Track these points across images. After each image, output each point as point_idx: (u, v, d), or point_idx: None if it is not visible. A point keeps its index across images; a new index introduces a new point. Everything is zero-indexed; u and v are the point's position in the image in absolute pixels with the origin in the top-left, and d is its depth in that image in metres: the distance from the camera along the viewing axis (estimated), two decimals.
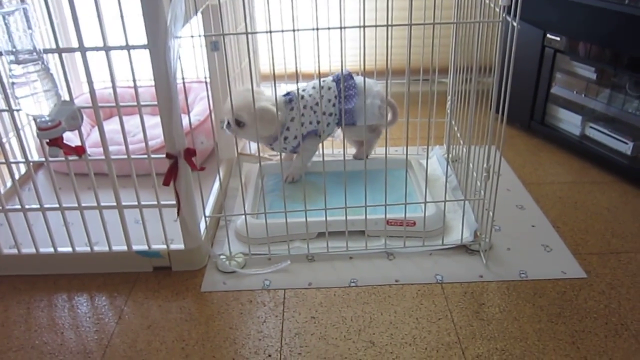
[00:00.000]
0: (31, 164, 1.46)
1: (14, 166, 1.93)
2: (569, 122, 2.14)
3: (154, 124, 1.99)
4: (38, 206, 1.46)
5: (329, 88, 1.78)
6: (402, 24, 1.36)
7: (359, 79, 1.81)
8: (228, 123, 1.72)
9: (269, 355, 1.25)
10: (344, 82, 1.78)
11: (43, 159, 1.40)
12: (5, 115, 1.75)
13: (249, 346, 1.28)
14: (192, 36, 1.40)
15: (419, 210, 1.66)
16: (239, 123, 1.71)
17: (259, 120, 1.64)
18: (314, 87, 1.81)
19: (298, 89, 1.57)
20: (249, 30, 1.36)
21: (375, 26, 1.37)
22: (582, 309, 1.35)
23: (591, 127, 2.06)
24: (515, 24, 1.26)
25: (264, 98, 1.71)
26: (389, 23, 1.32)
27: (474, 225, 1.58)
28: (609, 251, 1.57)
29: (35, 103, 1.18)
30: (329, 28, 1.40)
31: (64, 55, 1.30)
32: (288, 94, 1.78)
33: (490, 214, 1.49)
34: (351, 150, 2.00)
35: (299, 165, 1.85)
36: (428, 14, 1.53)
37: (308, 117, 1.77)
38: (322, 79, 1.67)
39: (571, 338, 1.27)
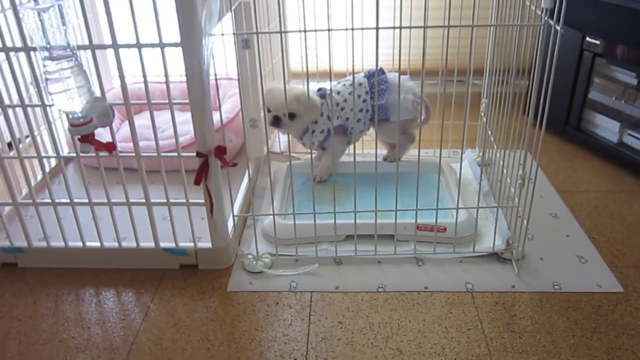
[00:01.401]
0: (62, 158, 1.46)
1: (44, 161, 1.96)
2: (606, 128, 2.08)
3: (184, 120, 1.99)
4: (68, 201, 1.46)
5: (360, 84, 1.78)
6: (439, 25, 1.32)
7: (391, 75, 1.79)
8: (274, 119, 1.73)
9: (295, 359, 1.24)
10: (373, 78, 1.76)
11: (74, 154, 1.40)
12: (38, 109, 1.76)
13: (275, 349, 1.27)
14: (222, 34, 1.38)
15: (450, 215, 1.62)
16: (292, 115, 1.72)
17: (309, 109, 1.70)
18: (344, 85, 1.81)
19: (331, 86, 1.57)
20: (281, 29, 1.33)
21: (410, 27, 1.34)
22: (618, 325, 1.31)
23: (629, 134, 1.99)
24: (558, 27, 1.22)
25: (290, 88, 1.72)
26: (425, 24, 1.28)
27: (507, 233, 1.54)
28: None
29: (68, 99, 1.18)
30: (362, 28, 1.37)
31: (88, 54, 1.29)
32: (320, 89, 1.80)
33: (524, 222, 1.45)
34: (382, 152, 1.97)
35: (327, 164, 1.83)
36: (464, 13, 1.49)
37: (336, 113, 1.77)
38: (353, 75, 1.65)
39: (607, 355, 1.22)
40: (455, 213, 1.55)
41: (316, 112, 1.75)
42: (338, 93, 1.79)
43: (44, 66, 1.16)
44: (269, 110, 1.73)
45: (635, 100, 1.98)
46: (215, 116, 1.40)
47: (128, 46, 1.25)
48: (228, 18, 1.44)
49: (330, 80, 1.53)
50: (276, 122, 1.73)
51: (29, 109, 1.40)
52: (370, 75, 1.78)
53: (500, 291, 1.42)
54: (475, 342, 1.27)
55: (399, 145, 1.88)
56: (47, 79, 1.16)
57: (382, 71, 1.80)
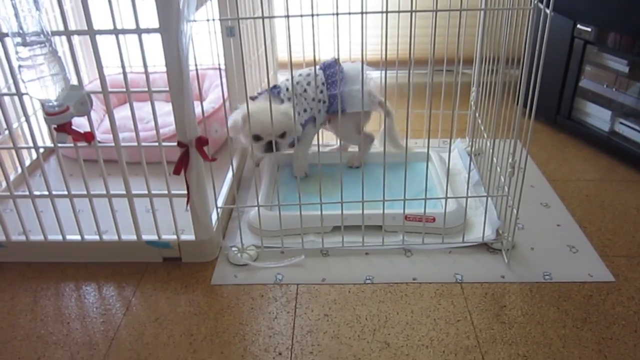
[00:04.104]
0: (40, 149, 1.42)
1: (25, 152, 1.92)
2: (598, 117, 2.05)
3: (168, 112, 1.93)
4: (46, 193, 1.42)
5: (317, 75, 1.72)
6: (427, 10, 1.29)
7: (347, 66, 1.74)
8: (268, 146, 1.61)
9: (280, 354, 1.21)
10: (329, 69, 1.73)
11: (51, 145, 1.36)
12: (18, 100, 1.71)
13: (259, 343, 1.24)
14: (207, 20, 1.34)
15: (439, 205, 1.60)
16: (283, 135, 1.63)
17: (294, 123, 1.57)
18: (300, 75, 1.74)
19: (292, 79, 1.51)
20: (265, 15, 1.29)
21: (399, 12, 1.31)
22: (609, 315, 1.28)
23: (621, 122, 1.97)
24: (548, 11, 1.19)
25: (275, 107, 1.53)
26: (413, 9, 1.25)
27: (497, 222, 1.51)
28: (638, 254, 1.49)
29: (41, 87, 1.14)
30: (349, 13, 1.34)
31: (78, 40, 1.25)
32: (275, 87, 1.71)
33: (514, 211, 1.42)
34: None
35: (300, 155, 1.79)
36: (454, 3, 1.46)
37: (301, 105, 1.72)
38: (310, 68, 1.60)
39: (598, 345, 1.20)
40: (444, 203, 1.52)
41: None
42: (297, 83, 1.72)
43: (17, 52, 1.11)
44: (258, 138, 1.62)
45: (627, 88, 1.95)
46: (199, 107, 1.36)
47: (104, 32, 1.21)
48: (214, 5, 1.40)
49: (291, 72, 1.45)
50: (270, 148, 1.57)
51: (7, 100, 1.36)
52: (326, 67, 1.73)
53: (490, 282, 1.39)
54: (464, 333, 1.24)
55: (359, 147, 1.85)
56: (20, 66, 1.12)
57: (335, 62, 1.73)
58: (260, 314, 1.32)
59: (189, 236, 1.47)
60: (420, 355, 1.19)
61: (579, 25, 1.99)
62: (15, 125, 1.75)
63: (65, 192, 1.42)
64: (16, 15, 1.09)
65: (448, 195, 1.47)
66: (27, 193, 1.43)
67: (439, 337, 1.23)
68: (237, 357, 1.20)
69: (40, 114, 1.92)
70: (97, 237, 1.48)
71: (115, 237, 1.47)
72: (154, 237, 1.47)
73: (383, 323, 1.28)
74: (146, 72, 1.27)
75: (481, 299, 1.34)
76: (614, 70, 1.98)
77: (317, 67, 1.74)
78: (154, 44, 1.24)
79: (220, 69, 1.44)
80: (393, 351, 1.20)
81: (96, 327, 1.30)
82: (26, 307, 1.37)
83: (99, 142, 1.35)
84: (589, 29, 1.96)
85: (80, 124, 1.35)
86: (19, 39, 1.11)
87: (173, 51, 1.21)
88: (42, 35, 1.12)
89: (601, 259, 1.47)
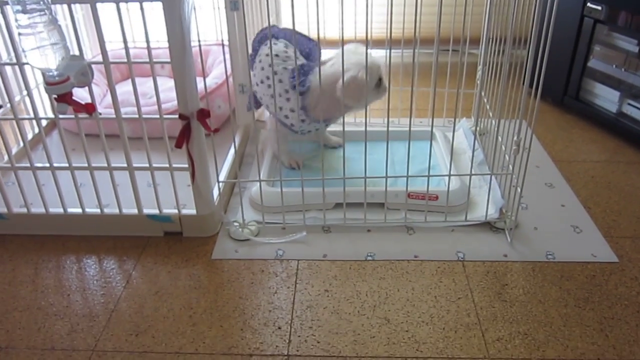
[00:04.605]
0: (42, 121, 1.41)
1: (27, 126, 1.91)
2: (606, 98, 2.02)
3: (172, 87, 1.92)
4: (47, 165, 1.41)
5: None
6: None
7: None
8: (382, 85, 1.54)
9: (279, 328, 1.20)
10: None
11: (53, 117, 1.35)
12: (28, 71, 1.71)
13: (259, 317, 1.23)
14: None
15: (443, 183, 1.58)
16: (381, 80, 1.55)
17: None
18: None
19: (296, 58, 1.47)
20: None
21: None
22: (612, 295, 1.27)
23: (629, 104, 1.94)
24: None
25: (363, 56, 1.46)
26: None
27: (500, 201, 1.50)
28: None
29: (41, 56, 1.12)
30: None
31: (82, 14, 1.23)
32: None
33: (518, 190, 1.40)
34: (375, 120, 1.92)
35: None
36: None
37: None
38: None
39: (599, 325, 1.19)
40: (448, 180, 1.50)
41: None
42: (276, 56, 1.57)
43: (16, 20, 1.10)
44: (379, 82, 1.54)
45: (637, 68, 1.92)
46: (202, 82, 1.35)
47: (105, 0, 1.19)
48: None
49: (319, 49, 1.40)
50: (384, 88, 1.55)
51: (10, 72, 1.34)
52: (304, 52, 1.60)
53: (492, 260, 1.38)
54: (464, 311, 1.23)
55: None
56: (19, 34, 1.11)
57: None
58: (260, 288, 1.32)
59: (190, 210, 1.47)
60: (420, 331, 1.18)
61: (589, 4, 1.96)
62: (17, 97, 1.75)
63: (66, 165, 1.41)
64: None
65: (452, 173, 1.46)
66: (28, 165, 1.42)
67: (439, 314, 1.23)
68: (236, 330, 1.20)
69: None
70: (98, 211, 1.47)
71: (117, 211, 1.47)
72: (155, 211, 1.46)
73: (383, 299, 1.27)
74: (147, 43, 1.25)
75: (483, 277, 1.33)
76: (624, 51, 1.95)
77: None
78: (158, 18, 1.22)
79: (223, 44, 1.42)
80: (393, 327, 1.20)
81: (96, 299, 1.30)
82: (27, 279, 1.37)
83: (100, 113, 1.34)
84: (599, 8, 1.93)
85: (82, 97, 1.34)
86: (18, 7, 1.09)
87: (175, 21, 1.19)
88: (41, 3, 1.10)
89: (605, 240, 1.45)
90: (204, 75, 1.34)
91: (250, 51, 1.65)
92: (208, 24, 2.20)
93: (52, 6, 1.12)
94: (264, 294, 1.30)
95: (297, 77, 1.47)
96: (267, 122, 1.63)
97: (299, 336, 1.18)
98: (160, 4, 1.18)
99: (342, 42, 1.37)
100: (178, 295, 1.30)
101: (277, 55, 1.56)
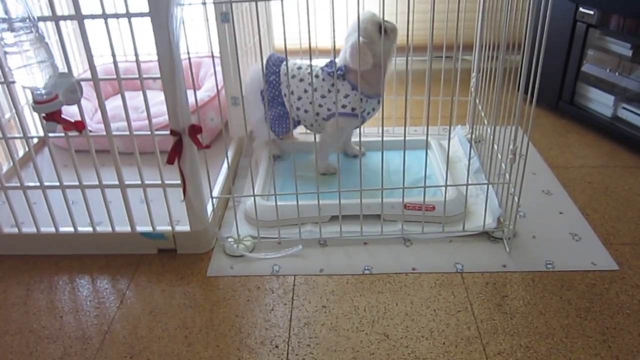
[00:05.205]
0: (32, 139, 1.39)
1: (18, 143, 1.88)
2: (600, 102, 2.02)
3: (164, 100, 1.91)
4: (37, 184, 1.39)
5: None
6: None
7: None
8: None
9: (276, 346, 1.18)
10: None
11: (42, 135, 1.33)
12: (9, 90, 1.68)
13: (255, 336, 1.21)
14: (200, 3, 1.31)
15: (439, 193, 1.56)
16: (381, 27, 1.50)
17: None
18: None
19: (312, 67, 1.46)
20: None
21: None
22: (613, 304, 1.25)
23: (624, 107, 1.93)
24: None
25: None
26: None
27: (498, 211, 1.48)
28: None
29: (28, 74, 1.10)
30: None
31: (71, 29, 1.22)
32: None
33: (516, 199, 1.39)
34: (370, 129, 1.90)
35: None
36: None
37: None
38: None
39: (602, 335, 1.17)
40: (444, 191, 1.49)
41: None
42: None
43: (2, 39, 1.08)
44: (380, 30, 1.51)
45: (631, 72, 1.92)
46: (193, 95, 1.33)
47: (93, 17, 1.17)
48: None
49: (310, 58, 1.40)
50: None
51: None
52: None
53: (491, 271, 1.37)
54: (465, 324, 1.22)
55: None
56: (5, 53, 1.09)
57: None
58: (257, 305, 1.29)
59: (184, 227, 1.45)
60: (420, 347, 1.16)
61: (581, 9, 1.95)
62: (7, 115, 1.72)
63: (57, 183, 1.38)
64: (2, 0, 1.06)
65: (448, 183, 1.44)
66: (17, 184, 1.40)
67: (439, 328, 1.21)
68: (232, 350, 1.18)
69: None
70: (90, 229, 1.45)
71: (109, 229, 1.44)
72: (149, 229, 1.44)
73: (382, 314, 1.25)
74: (137, 58, 1.23)
75: (482, 288, 1.31)
76: (617, 54, 1.94)
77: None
78: (148, 31, 1.20)
79: (213, 56, 1.40)
80: (392, 343, 1.17)
81: (89, 320, 1.28)
82: (19, 301, 1.34)
83: (90, 131, 1.32)
84: (591, 12, 1.92)
85: (73, 113, 1.32)
86: (4, 25, 1.07)
87: (164, 36, 1.17)
88: (28, 21, 1.08)
89: (605, 247, 1.44)
90: (194, 88, 1.32)
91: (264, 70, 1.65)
92: (200, 36, 2.18)
93: (39, 23, 1.10)
94: (260, 312, 1.28)
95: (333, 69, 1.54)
96: (329, 126, 1.64)
97: (297, 355, 1.16)
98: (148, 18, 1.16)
99: (334, 52, 1.37)
100: (173, 314, 1.28)
101: (300, 68, 1.65)
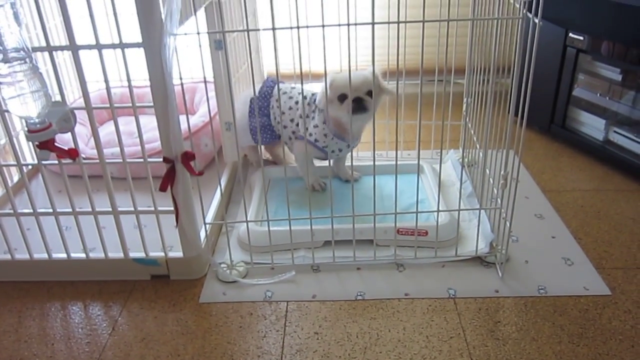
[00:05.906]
0: (26, 167, 1.39)
1: (13, 170, 1.89)
2: (592, 125, 2.03)
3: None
4: (30, 211, 1.39)
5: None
6: (415, 20, 1.27)
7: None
8: (357, 102, 1.56)
9: None
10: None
11: (35, 162, 1.34)
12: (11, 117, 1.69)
13: None
14: (185, 34, 1.32)
15: (432, 218, 1.57)
16: (370, 94, 1.57)
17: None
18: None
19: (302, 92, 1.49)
20: (250, 27, 1.27)
21: (388, 23, 1.29)
22: (606, 330, 1.25)
23: (615, 131, 1.95)
24: (537, 20, 1.17)
25: (358, 71, 1.61)
26: (401, 20, 1.23)
27: (490, 235, 1.49)
28: (635, 266, 1.46)
29: (22, 104, 1.11)
30: (338, 25, 1.31)
31: (67, 56, 1.23)
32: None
33: (508, 224, 1.39)
34: (364, 153, 1.92)
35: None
36: (444, 12, 1.44)
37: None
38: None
39: None
40: (437, 216, 1.49)
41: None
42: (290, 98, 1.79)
43: None
44: (344, 98, 1.58)
45: (621, 96, 1.94)
46: (187, 121, 1.34)
47: (87, 47, 1.19)
48: (201, 18, 1.39)
49: (302, 83, 1.44)
50: (359, 105, 1.56)
51: None
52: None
53: (484, 296, 1.37)
54: (457, 351, 1.21)
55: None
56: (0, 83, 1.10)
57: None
58: (249, 332, 1.29)
59: (176, 253, 1.45)
60: None
61: (571, 34, 1.98)
62: (2, 141, 1.73)
63: (50, 210, 1.39)
64: None
65: (440, 208, 1.45)
66: (10, 211, 1.40)
67: (431, 354, 1.20)
68: None
69: None
70: (83, 255, 1.45)
71: (102, 255, 1.44)
72: (142, 255, 1.44)
73: (374, 341, 1.25)
74: (129, 86, 1.25)
75: (475, 314, 1.31)
76: (607, 79, 1.97)
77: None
78: (142, 58, 1.22)
79: (206, 82, 1.42)
80: None
81: (81, 348, 1.27)
82: (10, 328, 1.34)
83: (84, 158, 1.33)
84: (581, 38, 1.95)
85: (67, 139, 1.33)
86: None
87: (157, 65, 1.19)
88: (22, 52, 1.10)
89: (597, 272, 1.44)
90: (187, 114, 1.33)
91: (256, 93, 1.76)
92: (195, 61, 2.20)
93: (33, 54, 1.12)
94: (252, 339, 1.27)
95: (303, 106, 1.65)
96: (295, 147, 1.78)
97: None
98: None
99: (325, 75, 1.42)
100: (165, 341, 1.28)
101: (294, 88, 1.80)
